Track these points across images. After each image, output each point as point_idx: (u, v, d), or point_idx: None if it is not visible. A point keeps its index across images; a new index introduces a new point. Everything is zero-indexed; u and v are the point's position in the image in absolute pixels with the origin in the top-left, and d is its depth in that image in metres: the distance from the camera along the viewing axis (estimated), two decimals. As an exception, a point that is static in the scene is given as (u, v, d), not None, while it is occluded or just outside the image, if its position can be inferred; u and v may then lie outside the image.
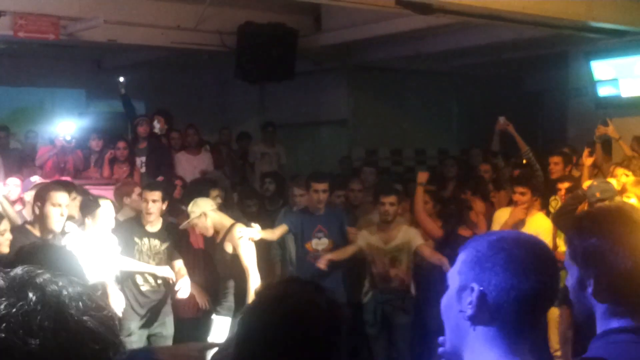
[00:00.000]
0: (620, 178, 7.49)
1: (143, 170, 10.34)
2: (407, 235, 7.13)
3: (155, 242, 6.63)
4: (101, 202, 5.97)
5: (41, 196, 5.43)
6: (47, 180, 7.42)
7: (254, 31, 10.14)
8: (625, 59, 9.74)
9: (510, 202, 8.04)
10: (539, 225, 6.93)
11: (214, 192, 7.46)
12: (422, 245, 7.07)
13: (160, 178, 9.34)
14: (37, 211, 5.41)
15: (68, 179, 8.94)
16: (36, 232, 5.40)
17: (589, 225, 2.14)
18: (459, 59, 12.38)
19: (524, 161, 8.88)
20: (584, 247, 2.10)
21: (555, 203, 7.81)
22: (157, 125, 10.72)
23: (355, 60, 12.42)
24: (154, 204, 6.53)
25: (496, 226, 7.10)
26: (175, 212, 7.77)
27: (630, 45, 9.31)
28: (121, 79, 10.88)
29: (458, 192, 8.32)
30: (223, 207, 7.30)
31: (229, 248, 6.42)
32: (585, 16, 7.85)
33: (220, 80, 13.76)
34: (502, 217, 7.14)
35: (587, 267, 2.08)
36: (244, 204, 8.39)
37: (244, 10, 9.96)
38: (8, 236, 5.03)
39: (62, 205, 5.35)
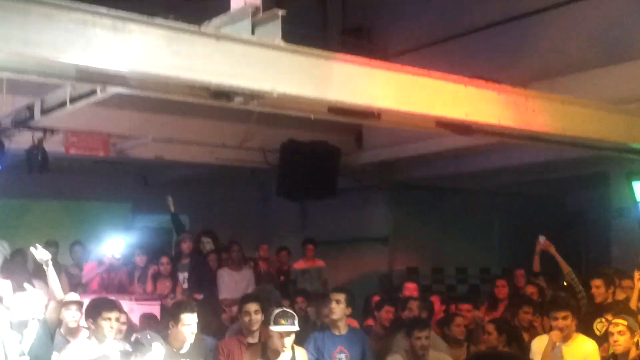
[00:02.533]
0: None
1: (185, 286, 10.39)
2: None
3: None
4: (154, 345, 5.87)
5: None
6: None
7: (297, 149, 10.33)
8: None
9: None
10: (584, 349, 6.68)
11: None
12: None
13: (197, 295, 9.35)
14: None
15: (112, 296, 9.02)
16: None
17: None
18: (500, 178, 12.41)
19: (565, 283, 8.74)
20: None
21: (601, 326, 7.62)
22: (208, 246, 10.83)
23: (396, 178, 12.53)
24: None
25: (536, 355, 6.89)
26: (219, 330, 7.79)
27: (672, 165, 9.31)
28: (169, 198, 11.09)
29: (508, 313, 8.23)
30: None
31: None
32: (625, 137, 7.87)
33: (263, 197, 13.95)
34: (542, 344, 6.93)
35: None
36: None
37: (287, 129, 10.18)
38: None
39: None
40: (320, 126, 10.16)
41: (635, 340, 6.22)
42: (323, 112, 6.27)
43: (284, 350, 6.40)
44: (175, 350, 6.29)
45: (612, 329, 6.25)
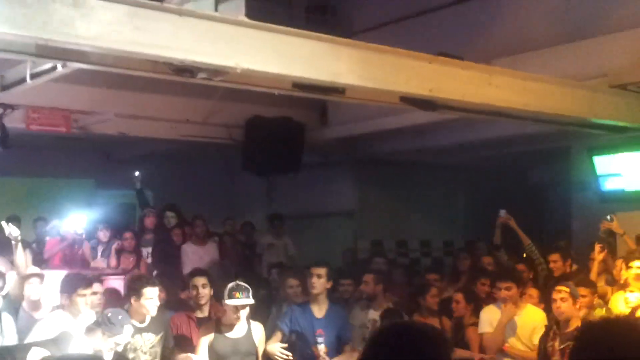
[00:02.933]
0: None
1: (149, 261, 10.38)
2: None
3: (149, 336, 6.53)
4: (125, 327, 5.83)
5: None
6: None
7: (262, 125, 10.32)
8: (629, 154, 9.84)
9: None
10: (533, 319, 6.89)
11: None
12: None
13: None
14: None
15: (76, 270, 8.99)
16: None
17: None
18: (464, 153, 12.50)
19: (525, 255, 8.88)
20: None
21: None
22: (172, 220, 10.81)
23: (362, 153, 12.56)
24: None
25: (485, 325, 7.02)
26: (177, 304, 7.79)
27: (633, 140, 9.43)
28: (137, 174, 11.03)
29: (470, 285, 8.34)
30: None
31: None
32: (587, 113, 7.96)
33: (228, 173, 13.92)
34: (491, 315, 7.06)
35: None
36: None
37: (251, 104, 10.14)
38: None
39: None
40: (285, 102, 10.16)
41: (577, 307, 6.34)
42: (287, 88, 6.27)
43: (237, 322, 6.46)
44: (137, 323, 6.33)
45: (554, 295, 6.36)
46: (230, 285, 6.46)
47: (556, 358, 6.17)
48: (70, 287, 6.43)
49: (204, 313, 7.19)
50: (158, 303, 6.49)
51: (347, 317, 7.39)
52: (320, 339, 6.83)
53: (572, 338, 5.99)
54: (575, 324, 6.20)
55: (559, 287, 6.43)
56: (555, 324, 6.40)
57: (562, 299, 6.32)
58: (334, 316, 7.09)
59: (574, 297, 6.36)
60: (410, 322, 3.05)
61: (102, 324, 5.68)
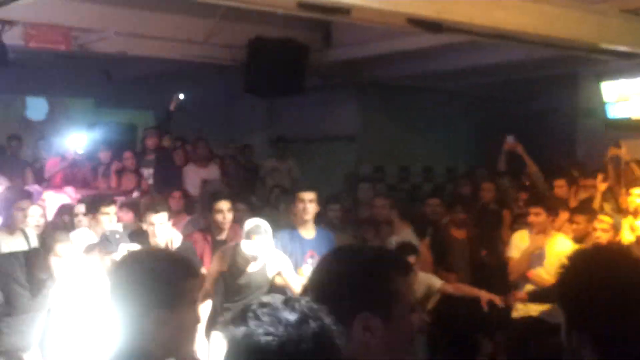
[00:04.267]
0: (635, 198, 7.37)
1: (150, 182, 10.36)
2: (425, 282, 6.99)
3: None
4: (120, 246, 5.81)
5: None
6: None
7: (264, 46, 10.15)
8: (636, 81, 9.72)
9: (515, 222, 7.98)
10: (561, 249, 6.71)
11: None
12: (444, 285, 7.01)
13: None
14: None
15: (73, 188, 9.00)
16: None
17: None
18: (469, 78, 12.36)
19: (527, 183, 8.83)
20: None
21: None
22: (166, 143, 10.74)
23: (365, 77, 12.41)
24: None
25: (515, 251, 6.99)
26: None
27: (641, 67, 9.30)
28: (181, 96, 10.83)
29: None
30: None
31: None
32: (595, 38, 7.82)
33: (229, 94, 13.78)
34: (521, 240, 7.02)
35: None
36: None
37: (254, 25, 9.96)
38: None
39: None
40: (289, 22, 9.98)
41: (618, 238, 6.27)
42: (292, 7, 6.12)
43: (254, 261, 6.37)
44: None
45: (596, 224, 6.25)
46: (249, 227, 6.26)
47: None
48: (94, 207, 6.53)
49: (222, 236, 7.12)
50: (166, 227, 6.42)
51: (335, 241, 7.15)
52: (310, 261, 6.74)
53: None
54: None
55: (601, 217, 6.32)
56: None
57: (603, 229, 6.22)
58: (323, 238, 6.98)
59: (616, 229, 6.28)
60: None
61: (100, 242, 5.69)
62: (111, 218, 6.65)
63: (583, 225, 7.10)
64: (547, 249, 6.82)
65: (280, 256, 6.51)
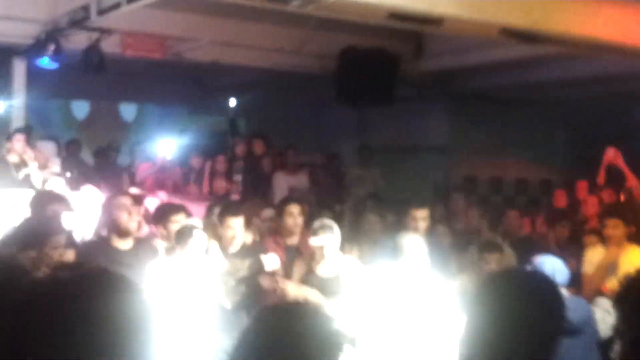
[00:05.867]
0: None
1: (240, 188, 10.45)
2: None
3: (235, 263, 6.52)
4: (195, 232, 5.90)
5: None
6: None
7: (356, 55, 10.13)
8: None
9: (589, 236, 7.68)
10: (637, 260, 6.43)
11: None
12: None
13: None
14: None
15: (165, 193, 9.13)
16: None
17: None
18: (565, 89, 12.06)
19: (622, 197, 8.53)
20: None
21: None
22: (259, 149, 10.82)
23: (457, 87, 12.26)
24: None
25: (588, 266, 6.76)
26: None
27: None
28: (232, 102, 11.00)
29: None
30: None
31: None
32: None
33: (319, 104, 13.82)
34: (595, 255, 6.78)
35: None
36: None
37: (345, 34, 9.95)
38: None
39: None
40: (380, 32, 9.92)
41: None
42: (383, 17, 6.07)
43: (323, 260, 6.33)
44: (224, 249, 6.37)
45: None
46: (315, 223, 6.29)
47: None
48: (164, 215, 6.52)
49: (293, 241, 7.12)
50: (239, 233, 6.45)
51: None
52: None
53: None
54: None
55: None
56: None
57: None
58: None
59: None
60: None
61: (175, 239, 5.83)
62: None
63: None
64: (621, 261, 6.53)
65: (359, 269, 6.41)
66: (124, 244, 5.68)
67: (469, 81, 11.89)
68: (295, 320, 1.90)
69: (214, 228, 6.75)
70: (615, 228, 6.58)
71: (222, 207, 6.93)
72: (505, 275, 2.15)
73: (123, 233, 5.66)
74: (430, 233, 7.32)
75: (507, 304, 2.02)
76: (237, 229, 6.42)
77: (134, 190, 7.85)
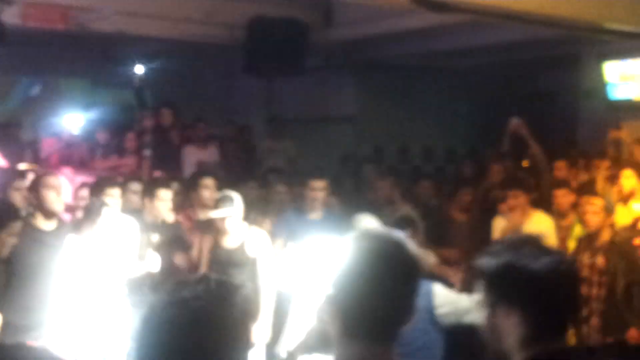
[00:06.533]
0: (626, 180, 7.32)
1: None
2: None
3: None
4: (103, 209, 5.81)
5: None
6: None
7: (264, 25, 10.06)
8: (639, 61, 9.65)
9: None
10: (540, 226, 6.69)
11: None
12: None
13: (157, 173, 9.23)
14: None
15: (71, 169, 8.93)
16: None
17: None
18: (470, 58, 12.27)
19: (525, 164, 8.76)
20: None
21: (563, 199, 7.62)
22: (168, 118, 10.65)
23: (365, 56, 12.31)
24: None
25: (495, 235, 6.94)
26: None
27: (643, 47, 9.22)
28: (137, 71, 10.77)
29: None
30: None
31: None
32: (598, 18, 7.75)
33: (227, 74, 13.68)
34: (499, 224, 6.97)
35: None
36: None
37: (254, 3, 9.88)
38: None
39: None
40: (288, 1, 9.89)
41: (609, 222, 6.20)
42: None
43: (227, 233, 6.33)
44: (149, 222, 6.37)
45: (586, 207, 6.17)
46: (218, 197, 6.32)
47: (585, 272, 5.99)
48: (99, 189, 6.44)
49: (206, 215, 7.09)
50: (170, 206, 6.47)
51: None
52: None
53: (601, 252, 5.93)
54: (605, 237, 6.06)
55: (592, 199, 6.22)
56: (586, 238, 6.22)
57: (594, 212, 6.13)
58: (330, 220, 6.92)
59: (609, 211, 6.20)
60: None
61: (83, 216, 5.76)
62: (115, 200, 6.45)
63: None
64: (526, 227, 6.73)
65: (263, 239, 6.44)
66: (48, 225, 5.56)
67: (377, 50, 11.95)
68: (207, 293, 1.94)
69: (130, 204, 6.70)
70: (516, 198, 6.78)
71: (153, 180, 6.92)
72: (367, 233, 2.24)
73: (49, 214, 5.53)
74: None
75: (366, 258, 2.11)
76: (167, 201, 6.45)
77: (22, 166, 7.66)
